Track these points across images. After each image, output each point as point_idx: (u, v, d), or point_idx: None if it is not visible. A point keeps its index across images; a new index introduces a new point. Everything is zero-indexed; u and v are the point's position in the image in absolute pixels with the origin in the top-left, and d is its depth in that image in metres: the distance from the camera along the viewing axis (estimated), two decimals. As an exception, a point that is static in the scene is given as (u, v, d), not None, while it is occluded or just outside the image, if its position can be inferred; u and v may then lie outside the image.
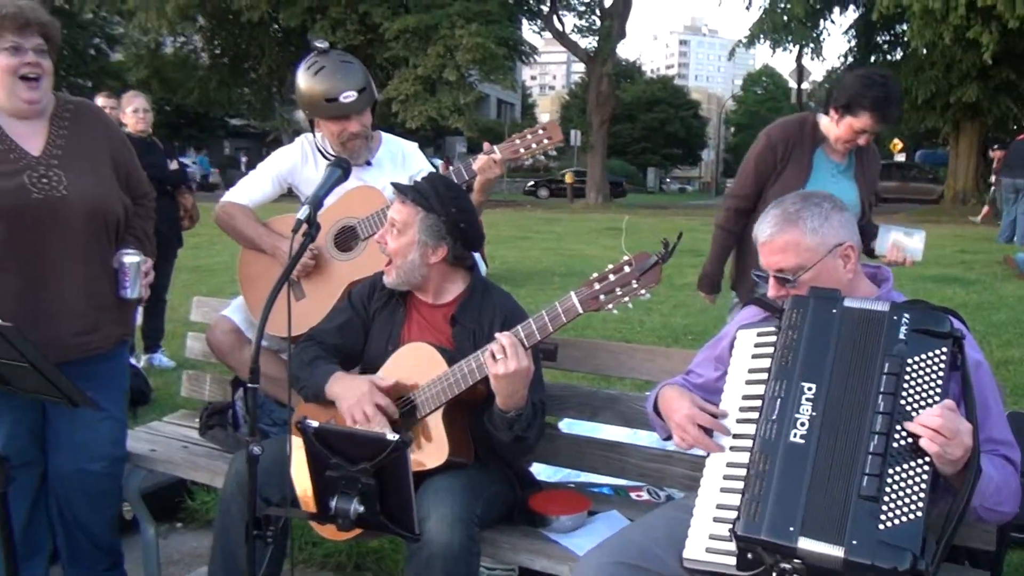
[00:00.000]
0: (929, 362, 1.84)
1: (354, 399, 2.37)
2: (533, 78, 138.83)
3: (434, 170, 3.08)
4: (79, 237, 2.56)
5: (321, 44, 3.09)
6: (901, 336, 1.87)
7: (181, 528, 3.75)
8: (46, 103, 2.59)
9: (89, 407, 2.30)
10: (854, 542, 1.69)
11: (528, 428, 2.32)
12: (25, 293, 2.50)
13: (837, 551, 1.70)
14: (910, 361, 1.84)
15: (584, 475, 3.34)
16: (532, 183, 39.71)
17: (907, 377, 1.82)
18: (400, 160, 3.28)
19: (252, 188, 3.26)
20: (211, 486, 3.32)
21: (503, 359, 2.17)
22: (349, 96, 3.01)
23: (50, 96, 2.60)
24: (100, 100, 6.01)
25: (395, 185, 2.56)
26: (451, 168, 3.00)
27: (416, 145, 3.40)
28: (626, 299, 2.15)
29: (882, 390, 1.81)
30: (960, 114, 25.97)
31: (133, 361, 5.59)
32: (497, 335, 2.21)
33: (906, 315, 1.90)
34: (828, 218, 2.10)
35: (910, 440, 1.75)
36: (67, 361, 2.50)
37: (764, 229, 2.15)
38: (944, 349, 1.84)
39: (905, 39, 23.92)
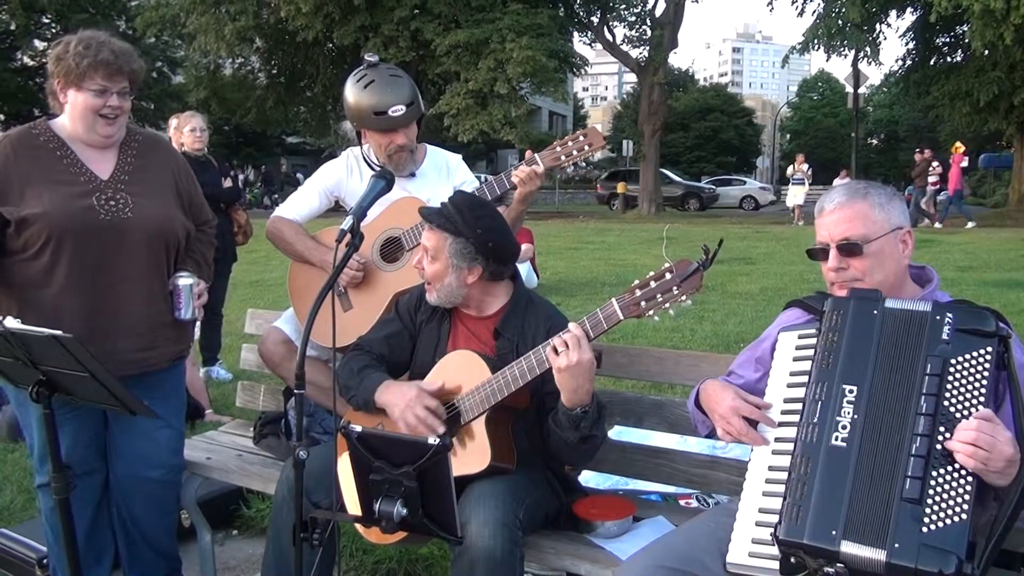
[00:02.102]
0: (974, 362, 1.81)
1: (404, 404, 2.42)
2: (585, 89, 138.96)
3: (478, 182, 3.13)
4: (141, 258, 2.68)
5: (371, 58, 3.16)
6: (944, 336, 1.85)
7: (237, 535, 3.85)
8: (120, 138, 2.72)
9: (147, 415, 2.38)
10: (896, 545, 1.67)
11: (595, 426, 2.32)
12: (90, 310, 2.61)
13: (879, 554, 1.68)
14: (953, 361, 1.81)
15: (633, 482, 3.34)
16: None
17: (950, 378, 1.80)
18: (444, 171, 3.33)
19: (300, 203, 3.34)
20: (265, 494, 3.40)
21: (565, 351, 2.18)
22: (398, 110, 3.07)
23: (124, 131, 2.73)
24: (174, 122, 6.20)
25: (421, 211, 2.61)
26: (483, 183, 3.02)
27: (460, 157, 3.44)
28: (667, 305, 2.15)
29: (924, 391, 1.79)
30: (1024, 115, 25.30)
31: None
32: (570, 325, 2.22)
33: (949, 315, 1.87)
34: (892, 199, 2.15)
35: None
36: (126, 375, 2.60)
37: (832, 198, 2.17)
38: (989, 348, 1.82)
39: (965, 40, 23.36)
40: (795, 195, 24.13)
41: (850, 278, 2.11)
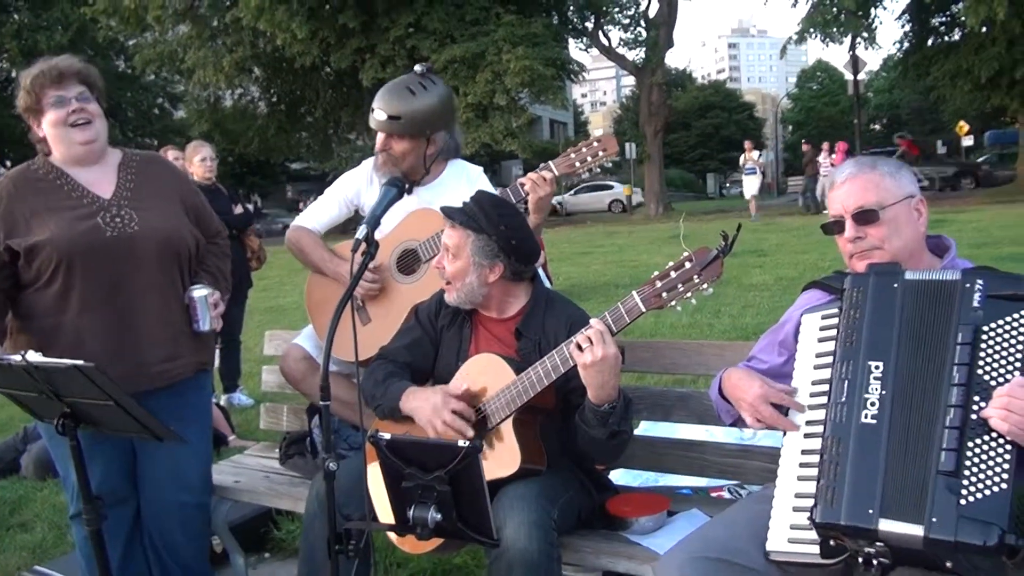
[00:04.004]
0: (1008, 327, 1.77)
1: (430, 410, 2.40)
2: (584, 95, 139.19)
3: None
4: (153, 269, 2.69)
5: (418, 67, 3.15)
6: (975, 303, 1.81)
7: (269, 558, 3.84)
8: (103, 143, 2.73)
9: (174, 440, 2.38)
10: (934, 520, 1.65)
11: (623, 421, 2.30)
12: (110, 327, 2.62)
13: (918, 530, 1.66)
14: (986, 328, 1.78)
15: (664, 478, 3.32)
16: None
17: (983, 345, 1.77)
18: (465, 182, 3.28)
19: (320, 212, 3.34)
20: (295, 513, 3.40)
21: (589, 347, 2.16)
22: (378, 115, 3.09)
23: (105, 136, 2.73)
24: (168, 155, 6.24)
25: (443, 209, 2.59)
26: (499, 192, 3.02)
27: (481, 170, 3.40)
28: (689, 295, 2.13)
29: (956, 361, 1.76)
30: (1028, 89, 25.18)
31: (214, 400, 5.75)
32: (592, 320, 2.20)
33: (979, 281, 1.84)
34: (900, 169, 2.15)
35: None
36: (154, 389, 2.61)
37: (843, 170, 2.17)
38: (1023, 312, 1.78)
39: (961, 19, 23.27)
40: (749, 187, 22.72)
41: (868, 247, 2.09)
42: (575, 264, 14.33)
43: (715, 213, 23.40)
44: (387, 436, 1.89)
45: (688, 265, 2.13)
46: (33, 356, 2.16)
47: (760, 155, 23.38)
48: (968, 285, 1.85)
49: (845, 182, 2.14)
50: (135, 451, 2.79)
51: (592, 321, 2.21)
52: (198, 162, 6.12)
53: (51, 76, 2.59)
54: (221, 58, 26.25)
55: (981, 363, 1.76)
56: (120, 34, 29.12)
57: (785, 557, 1.88)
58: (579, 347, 2.18)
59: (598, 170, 3.07)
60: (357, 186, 3.32)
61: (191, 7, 26.25)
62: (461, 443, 1.82)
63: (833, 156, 22.48)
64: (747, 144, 23.07)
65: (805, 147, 23.65)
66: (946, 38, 27.20)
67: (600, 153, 2.94)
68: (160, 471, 2.77)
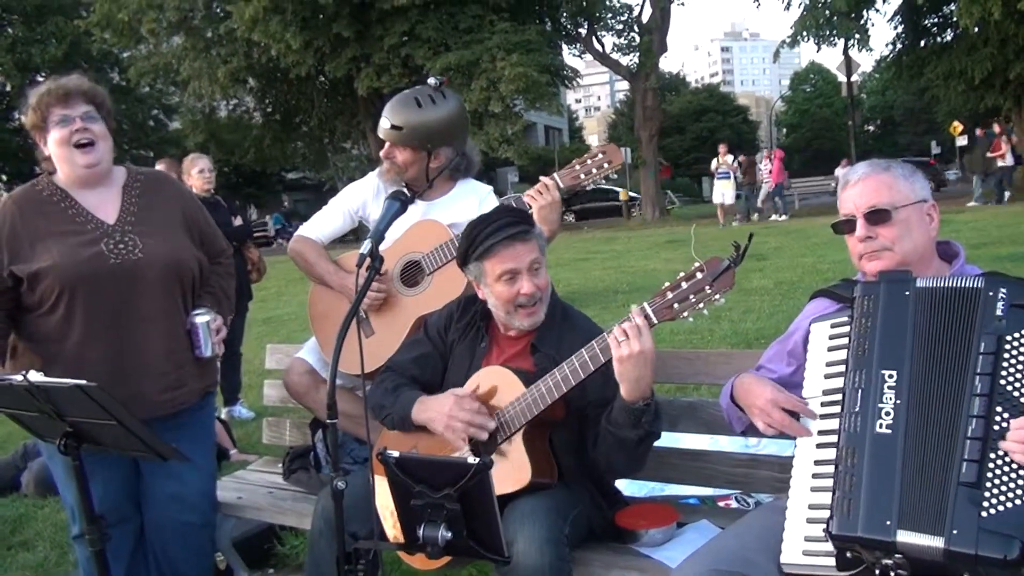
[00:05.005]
0: None
1: (446, 416, 2.37)
2: (578, 101, 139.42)
3: None
4: (157, 297, 2.65)
5: (432, 80, 3.14)
6: (999, 312, 1.78)
7: (273, 574, 3.81)
8: (106, 166, 2.69)
9: (178, 459, 2.36)
10: (955, 532, 1.62)
11: (655, 421, 2.26)
12: (112, 355, 2.60)
13: (937, 542, 1.64)
14: (1009, 338, 1.75)
15: (669, 488, 3.30)
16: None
17: (1007, 355, 1.74)
18: (473, 201, 3.24)
19: (324, 223, 3.32)
20: (299, 529, 3.37)
21: (626, 340, 2.11)
22: (383, 123, 3.09)
23: (110, 159, 2.70)
24: (160, 166, 6.22)
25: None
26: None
27: (491, 189, 3.36)
28: (701, 305, 2.11)
29: (979, 371, 1.74)
30: (1021, 89, 25.21)
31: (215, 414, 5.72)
32: (632, 313, 2.15)
33: (1003, 289, 1.81)
34: (914, 173, 2.13)
35: (1012, 422, 1.67)
36: (156, 417, 2.58)
37: (857, 170, 2.16)
38: None
39: (953, 19, 23.32)
40: (721, 192, 21.74)
41: (879, 247, 2.07)
42: (574, 270, 14.31)
43: (711, 217, 23.36)
44: (396, 454, 1.86)
45: (699, 276, 2.10)
46: (35, 376, 2.13)
47: (735, 160, 22.51)
48: (991, 293, 1.81)
49: (859, 181, 2.12)
50: (138, 469, 2.75)
51: (632, 314, 2.14)
52: (196, 174, 6.10)
53: (57, 95, 2.57)
54: (216, 69, 26.21)
55: (1004, 373, 1.73)
56: (114, 47, 29.13)
57: (799, 570, 1.85)
58: (616, 340, 2.13)
59: (603, 181, 3.04)
60: (363, 198, 3.29)
61: (185, 19, 26.23)
62: (471, 460, 1.79)
63: (731, 159, 22.06)
64: (721, 148, 22.33)
65: (742, 158, 23.50)
66: (939, 39, 27.26)
67: (605, 165, 2.92)
68: (164, 491, 2.74)
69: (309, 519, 2.67)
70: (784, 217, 22.87)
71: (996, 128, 22.35)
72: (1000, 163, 20.85)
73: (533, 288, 2.43)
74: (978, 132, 23.64)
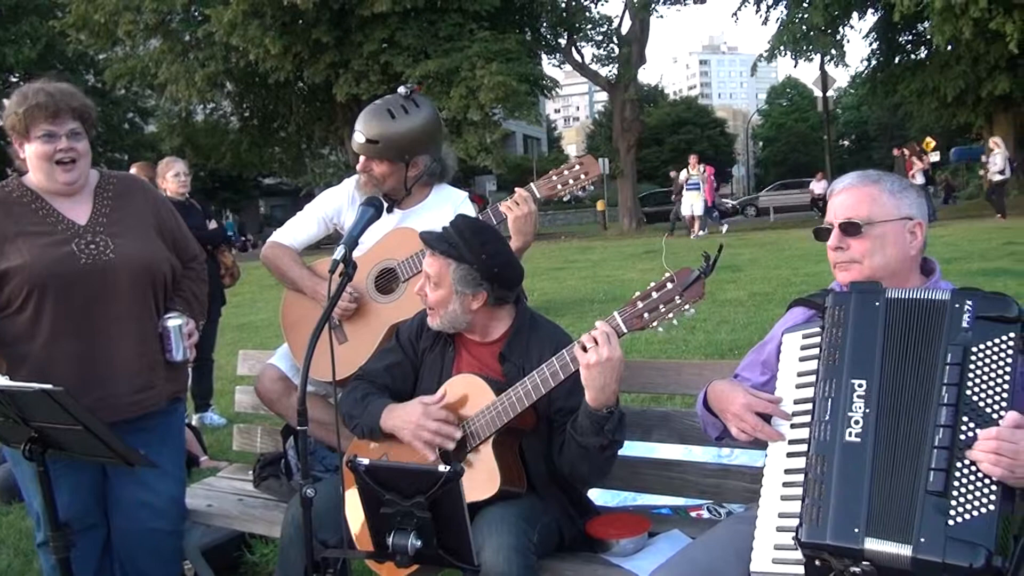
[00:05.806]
0: (997, 349, 1.77)
1: (413, 424, 2.37)
2: (557, 111, 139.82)
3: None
4: (128, 298, 2.63)
5: (402, 89, 3.12)
6: (964, 324, 1.81)
7: (242, 583, 3.76)
8: (84, 181, 2.66)
9: (145, 466, 2.33)
10: (922, 540, 1.64)
11: (618, 430, 2.26)
12: (81, 356, 2.56)
13: (905, 550, 1.65)
14: (975, 349, 1.77)
15: (642, 497, 3.30)
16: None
17: (972, 367, 1.76)
18: (448, 207, 3.20)
19: (298, 229, 3.29)
20: (269, 538, 3.33)
21: (594, 347, 2.12)
22: (357, 137, 3.07)
23: (88, 173, 2.67)
24: (134, 170, 6.16)
25: (423, 237, 2.54)
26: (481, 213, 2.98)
27: (466, 195, 3.34)
28: (671, 315, 2.13)
29: (946, 381, 1.75)
30: (993, 107, 25.66)
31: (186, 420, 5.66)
32: (598, 323, 2.17)
33: (969, 302, 1.83)
34: (905, 190, 2.13)
35: (979, 432, 1.69)
36: (125, 419, 2.54)
37: (844, 179, 2.17)
38: (1012, 334, 1.77)
39: (927, 37, 23.66)
40: (690, 203, 21.14)
41: (847, 259, 2.09)
42: (550, 279, 14.32)
43: (687, 228, 23.51)
44: (366, 462, 1.85)
45: (670, 286, 2.11)
46: (-1, 380, 2.10)
47: (705, 169, 22.12)
48: (957, 305, 1.84)
49: (843, 191, 2.14)
50: (106, 476, 2.72)
51: (598, 323, 2.17)
52: (171, 178, 6.05)
53: (46, 110, 2.51)
54: (193, 73, 26.01)
55: (970, 383, 1.75)
56: (90, 48, 28.80)
57: (769, 578, 1.86)
58: (584, 348, 2.15)
59: (580, 193, 3.04)
60: (338, 204, 3.27)
61: (163, 22, 26.02)
62: (441, 468, 1.79)
63: (702, 169, 21.70)
64: (692, 158, 22.08)
65: (673, 174, 23.40)
66: (913, 56, 27.65)
67: (582, 176, 2.93)
68: (132, 497, 2.70)
69: (279, 527, 2.65)
70: (724, 228, 23.18)
71: (902, 151, 22.82)
72: (999, 177, 20.86)
73: (422, 291, 2.54)
74: (895, 152, 24.12)
